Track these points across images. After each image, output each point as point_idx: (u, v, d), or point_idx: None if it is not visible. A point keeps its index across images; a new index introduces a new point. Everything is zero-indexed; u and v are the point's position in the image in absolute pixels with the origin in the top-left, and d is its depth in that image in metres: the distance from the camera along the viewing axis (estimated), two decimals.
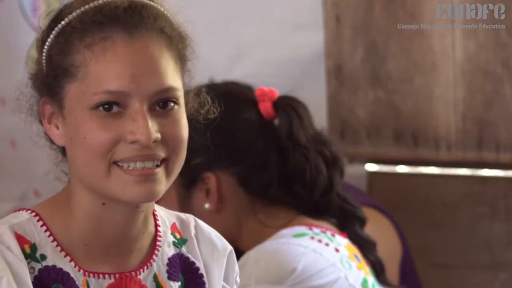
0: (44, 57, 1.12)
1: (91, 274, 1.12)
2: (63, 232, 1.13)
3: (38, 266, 1.11)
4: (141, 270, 1.15)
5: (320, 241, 1.61)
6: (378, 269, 1.72)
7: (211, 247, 1.22)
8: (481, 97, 2.26)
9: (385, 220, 2.11)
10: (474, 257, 2.28)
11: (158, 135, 1.08)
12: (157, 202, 1.20)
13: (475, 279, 2.29)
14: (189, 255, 1.20)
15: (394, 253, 2.08)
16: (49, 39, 1.11)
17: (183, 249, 1.20)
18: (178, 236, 1.21)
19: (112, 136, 1.08)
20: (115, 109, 1.08)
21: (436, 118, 2.30)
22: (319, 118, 1.99)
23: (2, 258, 1.08)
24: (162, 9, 1.13)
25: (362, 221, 1.73)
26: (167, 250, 1.18)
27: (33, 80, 1.13)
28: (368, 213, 1.83)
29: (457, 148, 2.29)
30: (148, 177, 1.09)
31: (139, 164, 1.09)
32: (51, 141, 1.15)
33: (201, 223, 1.24)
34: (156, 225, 1.19)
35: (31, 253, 1.11)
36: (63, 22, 1.10)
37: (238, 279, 1.25)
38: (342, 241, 1.65)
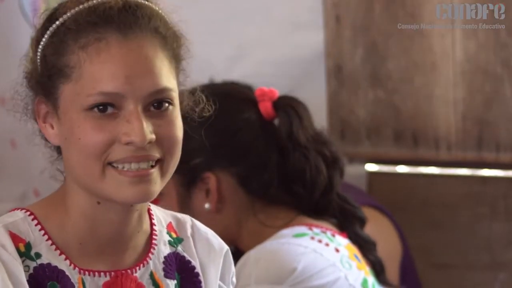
0: (38, 57, 1.12)
1: (87, 272, 1.13)
2: (58, 231, 1.14)
3: (33, 264, 1.11)
4: (137, 268, 1.16)
5: (320, 241, 1.61)
6: (378, 269, 1.72)
7: (207, 246, 1.22)
8: (481, 97, 2.26)
9: (385, 220, 2.11)
10: (474, 257, 2.28)
11: (153, 136, 1.08)
12: (156, 202, 1.20)
13: (475, 279, 2.29)
14: (185, 254, 1.20)
15: (394, 253, 2.08)
16: (43, 39, 1.11)
17: (179, 248, 1.20)
18: (174, 235, 1.21)
19: (107, 138, 1.08)
20: (109, 110, 1.08)
21: (436, 118, 2.30)
22: (319, 118, 1.99)
23: None
24: (157, 9, 1.13)
25: (362, 221, 1.73)
26: (163, 248, 1.19)
27: (28, 80, 1.13)
28: (368, 213, 1.83)
29: (457, 148, 2.29)
30: (143, 178, 1.09)
31: (134, 165, 1.09)
32: (47, 140, 1.16)
33: (198, 223, 1.24)
34: (152, 224, 1.19)
35: (25, 252, 1.11)
36: (57, 22, 1.10)
37: (234, 279, 1.25)
38: (342, 241, 1.65)
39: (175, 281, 1.18)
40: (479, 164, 2.31)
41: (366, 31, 2.32)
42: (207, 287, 1.20)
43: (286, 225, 1.65)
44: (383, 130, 2.34)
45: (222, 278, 1.23)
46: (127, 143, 1.08)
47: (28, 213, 1.14)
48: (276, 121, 1.69)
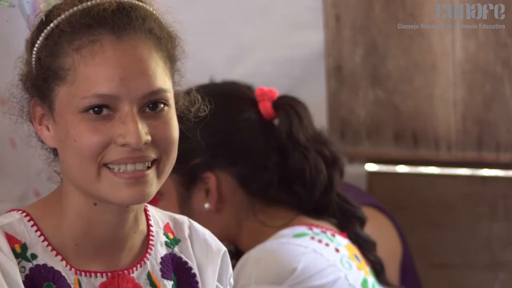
0: (33, 59, 1.12)
1: (83, 273, 1.13)
2: (54, 232, 1.14)
3: (29, 265, 1.11)
4: (134, 268, 1.16)
5: (320, 241, 1.61)
6: (378, 269, 1.72)
7: (205, 247, 1.22)
8: (481, 97, 2.26)
9: (386, 220, 2.11)
10: (474, 257, 2.28)
11: (148, 138, 1.09)
12: (156, 202, 1.20)
13: (475, 279, 2.29)
14: (182, 255, 1.20)
15: (394, 253, 2.08)
16: (38, 41, 1.11)
17: (176, 249, 1.20)
18: (171, 236, 1.21)
19: (102, 139, 1.08)
20: (105, 112, 1.08)
21: (436, 118, 2.30)
22: (319, 118, 2.00)
23: None
24: (151, 9, 1.13)
25: (362, 221, 1.73)
26: (160, 249, 1.19)
27: (23, 82, 1.13)
28: (368, 212, 1.83)
29: (457, 148, 2.29)
30: (139, 180, 1.09)
31: (130, 167, 1.09)
32: (43, 142, 1.16)
33: (195, 224, 1.24)
34: (148, 225, 1.19)
35: (21, 253, 1.11)
36: (51, 25, 1.10)
37: (232, 280, 1.25)
38: (342, 241, 1.65)
39: (172, 282, 1.18)
40: (479, 164, 2.31)
41: (366, 31, 2.32)
42: None
43: (286, 225, 1.65)
44: (383, 130, 2.34)
45: (219, 279, 1.23)
46: (123, 145, 1.08)
47: (24, 214, 1.14)
48: (276, 121, 1.69)
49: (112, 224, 1.14)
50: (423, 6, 2.27)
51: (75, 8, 1.09)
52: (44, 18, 1.12)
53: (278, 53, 2.31)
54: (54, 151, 1.16)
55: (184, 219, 1.24)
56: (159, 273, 1.17)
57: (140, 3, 1.12)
